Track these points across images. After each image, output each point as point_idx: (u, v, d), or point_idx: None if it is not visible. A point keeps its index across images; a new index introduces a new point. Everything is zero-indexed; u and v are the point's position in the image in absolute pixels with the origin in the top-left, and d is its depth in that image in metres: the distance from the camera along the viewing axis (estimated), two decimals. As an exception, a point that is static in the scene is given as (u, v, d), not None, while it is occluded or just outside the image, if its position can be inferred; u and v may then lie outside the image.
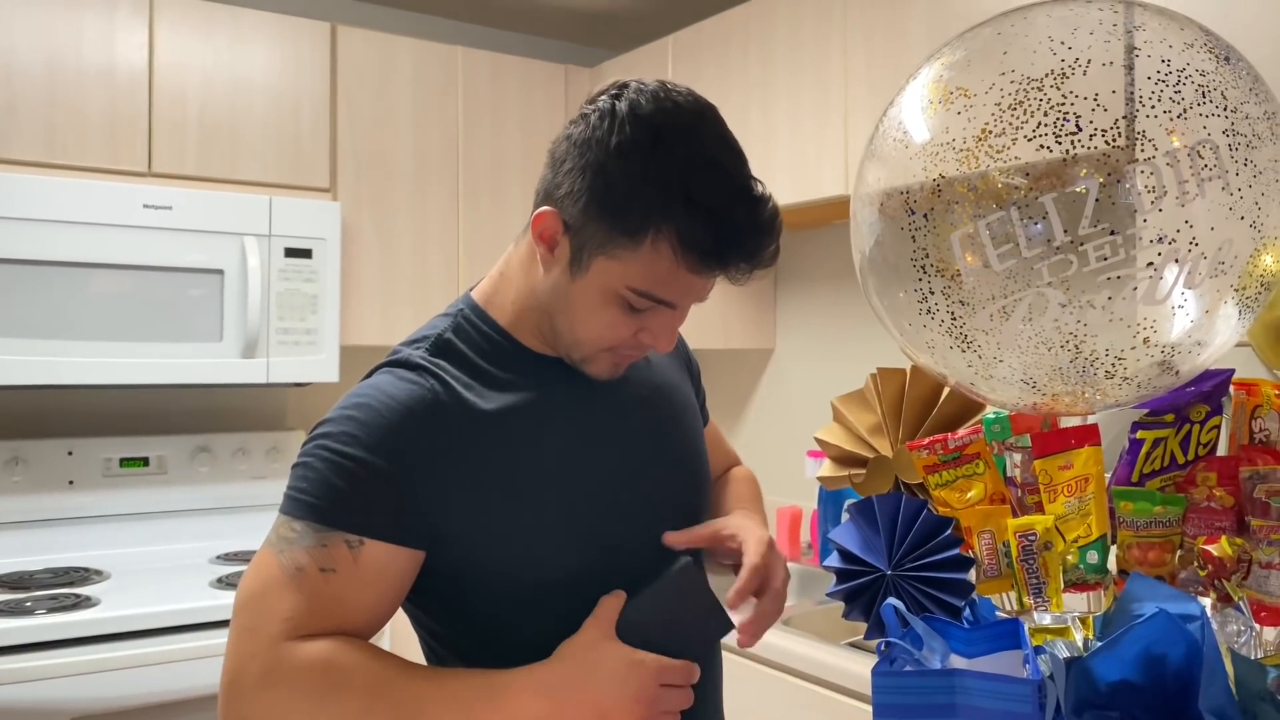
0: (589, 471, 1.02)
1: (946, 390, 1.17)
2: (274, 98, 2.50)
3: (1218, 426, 0.98)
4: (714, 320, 2.78)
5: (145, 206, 2.26)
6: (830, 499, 2.47)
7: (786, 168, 2.33)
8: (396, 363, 1.01)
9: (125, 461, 2.49)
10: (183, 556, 2.47)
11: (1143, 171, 0.78)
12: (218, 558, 2.46)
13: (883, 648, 0.81)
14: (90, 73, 2.29)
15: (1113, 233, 0.79)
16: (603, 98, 0.96)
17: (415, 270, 2.67)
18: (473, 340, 1.03)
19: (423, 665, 0.99)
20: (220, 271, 2.35)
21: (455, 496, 0.95)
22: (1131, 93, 0.80)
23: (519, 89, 2.83)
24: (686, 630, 0.98)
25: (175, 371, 2.31)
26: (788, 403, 2.86)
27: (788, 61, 2.33)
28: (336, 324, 2.49)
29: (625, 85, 0.97)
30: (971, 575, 1.00)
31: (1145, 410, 0.99)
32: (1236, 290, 0.82)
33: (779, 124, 2.35)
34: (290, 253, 2.42)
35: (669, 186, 0.90)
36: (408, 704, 0.88)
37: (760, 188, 0.97)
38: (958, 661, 0.82)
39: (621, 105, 0.93)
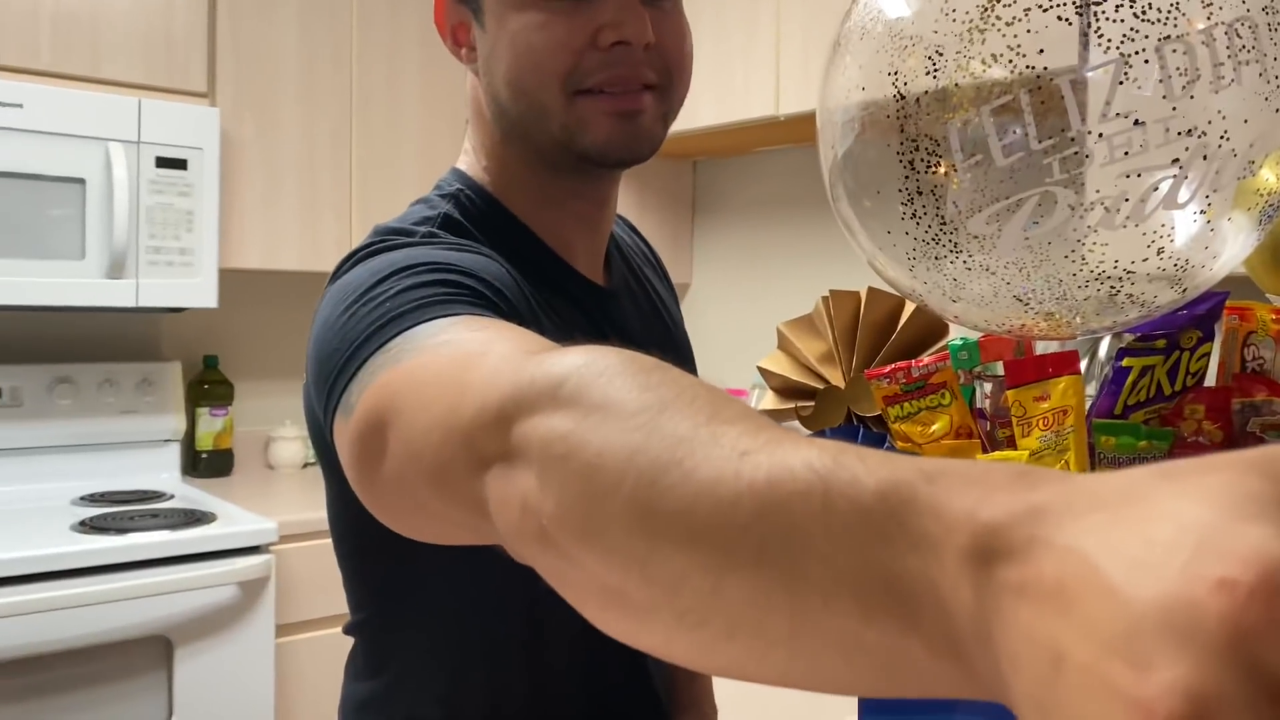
0: None
1: (907, 313, 1.07)
2: (143, -12, 2.23)
3: (1208, 354, 0.90)
4: (627, 251, 2.65)
5: (-10, 103, 1.99)
6: (746, 438, 2.39)
7: (710, 87, 2.19)
8: (415, 240, 0.75)
9: (-27, 393, 2.24)
10: (41, 498, 2.24)
11: (1174, 50, 0.67)
12: (81, 499, 2.24)
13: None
14: (-78, -54, 1.99)
15: (1138, 122, 0.68)
16: None
17: (303, 187, 2.45)
18: (481, 225, 0.82)
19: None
20: (81, 181, 2.10)
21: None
22: None
23: (420, -6, 2.61)
24: None
25: (31, 292, 2.06)
26: (705, 339, 2.75)
27: (714, -28, 2.18)
28: (215, 244, 2.26)
29: None
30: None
31: (1132, 335, 0.90)
32: (1260, 194, 0.73)
33: (702, 38, 2.21)
34: (162, 163, 2.18)
35: None
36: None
37: None
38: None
39: None
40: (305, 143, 2.44)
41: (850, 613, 0.28)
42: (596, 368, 0.42)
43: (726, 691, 1.44)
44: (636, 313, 0.93)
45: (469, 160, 0.87)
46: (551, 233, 0.85)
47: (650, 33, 0.77)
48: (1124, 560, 0.21)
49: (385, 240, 0.74)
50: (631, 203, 2.63)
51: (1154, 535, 0.21)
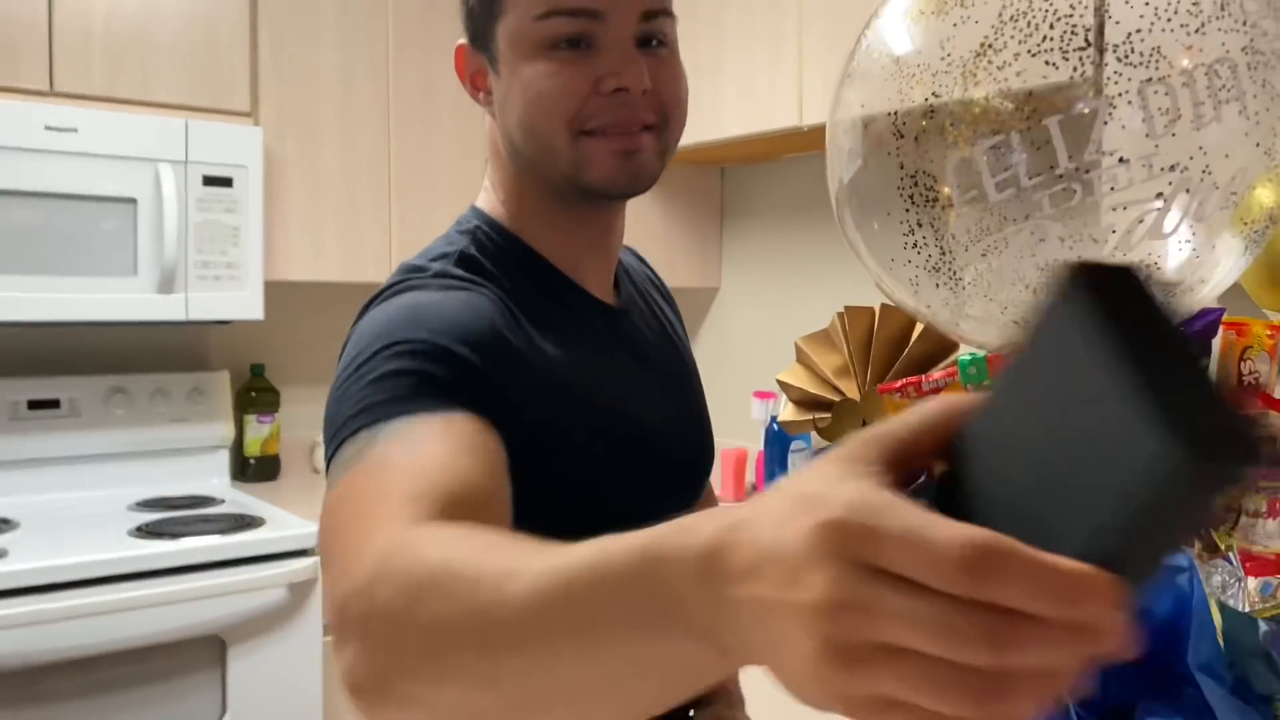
0: (607, 405, 0.89)
1: (918, 330, 1.12)
2: (189, 12, 2.32)
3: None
4: (657, 258, 2.68)
5: (47, 128, 2.08)
6: (776, 440, 2.43)
7: (736, 98, 2.24)
8: (427, 279, 0.84)
9: (34, 404, 2.33)
10: (99, 504, 2.33)
11: (1156, 92, 0.72)
12: (136, 505, 2.33)
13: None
14: (-19, -20, 2.09)
15: (1122, 160, 0.72)
16: None
17: (344, 200, 2.53)
18: (496, 258, 0.89)
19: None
20: (133, 200, 2.19)
21: (516, 396, 0.78)
22: (1102, 6, 0.73)
23: (451, 8, 2.67)
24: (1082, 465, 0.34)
25: (86, 308, 2.15)
26: (733, 343, 2.80)
27: (738, -15, 2.23)
28: (260, 258, 2.35)
29: None
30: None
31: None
32: (1244, 223, 0.77)
33: (728, 52, 2.25)
34: (209, 181, 2.26)
35: None
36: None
37: None
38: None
39: None
40: (345, 158, 2.52)
41: (647, 643, 0.40)
42: (411, 541, 0.54)
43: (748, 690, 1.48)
44: (646, 329, 1.00)
45: (487, 196, 0.95)
46: (563, 258, 0.92)
47: (647, 79, 0.84)
48: (777, 531, 0.35)
49: (405, 280, 0.84)
50: (661, 209, 2.68)
51: (789, 509, 0.35)
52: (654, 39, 0.86)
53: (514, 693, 0.45)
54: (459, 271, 0.84)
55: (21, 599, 1.83)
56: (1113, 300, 0.34)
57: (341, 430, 0.73)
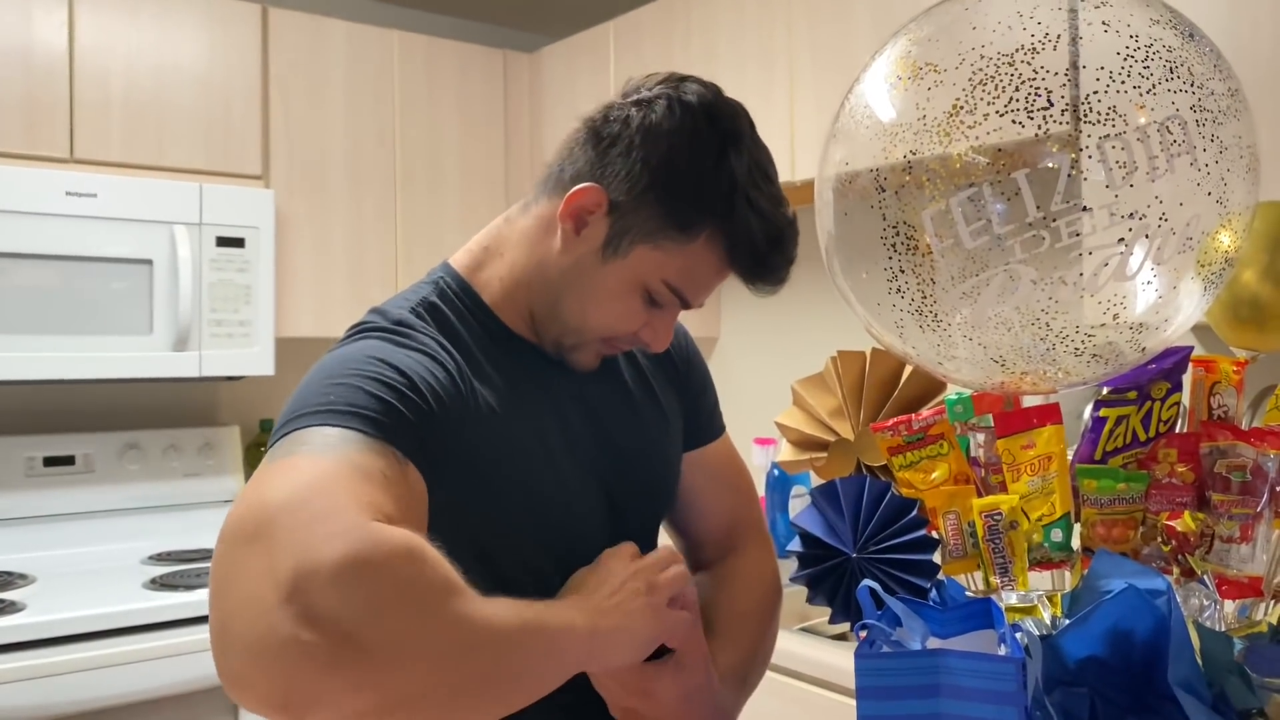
0: (551, 470, 0.97)
1: (907, 372, 1.17)
2: (203, 81, 2.41)
3: (1178, 403, 0.99)
4: (658, 308, 2.76)
5: (68, 194, 2.17)
6: (777, 485, 2.47)
7: (731, 154, 2.32)
8: (389, 328, 0.91)
9: (50, 460, 2.39)
10: (113, 558, 2.37)
11: (1114, 147, 0.78)
12: (150, 558, 2.37)
13: (861, 632, 0.80)
14: (6, 54, 2.18)
15: (1085, 209, 0.79)
16: (660, 87, 0.94)
17: (352, 259, 2.60)
18: (458, 310, 0.97)
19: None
20: (149, 261, 2.26)
21: (450, 458, 0.86)
22: (1077, 67, 0.80)
23: (456, 74, 2.78)
24: None
25: (103, 365, 2.22)
26: (732, 391, 2.85)
27: (731, 48, 2.32)
28: (271, 315, 2.42)
29: (683, 79, 0.96)
30: (937, 557, 1.00)
31: (1107, 388, 0.99)
32: (1202, 265, 0.83)
33: (723, 110, 2.34)
34: (222, 242, 2.34)
35: (735, 188, 0.92)
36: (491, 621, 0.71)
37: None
38: (935, 642, 0.81)
39: (690, 98, 0.94)
40: (353, 219, 2.60)
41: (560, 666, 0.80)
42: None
43: None
44: (594, 380, 1.04)
45: (474, 261, 1.00)
46: (525, 330, 1.00)
47: (668, 344, 1.00)
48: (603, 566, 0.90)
49: (367, 323, 0.92)
50: (661, 262, 2.75)
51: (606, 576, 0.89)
52: None
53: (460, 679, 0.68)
54: (415, 320, 0.92)
55: (38, 651, 1.87)
56: None
57: (315, 412, 0.77)
